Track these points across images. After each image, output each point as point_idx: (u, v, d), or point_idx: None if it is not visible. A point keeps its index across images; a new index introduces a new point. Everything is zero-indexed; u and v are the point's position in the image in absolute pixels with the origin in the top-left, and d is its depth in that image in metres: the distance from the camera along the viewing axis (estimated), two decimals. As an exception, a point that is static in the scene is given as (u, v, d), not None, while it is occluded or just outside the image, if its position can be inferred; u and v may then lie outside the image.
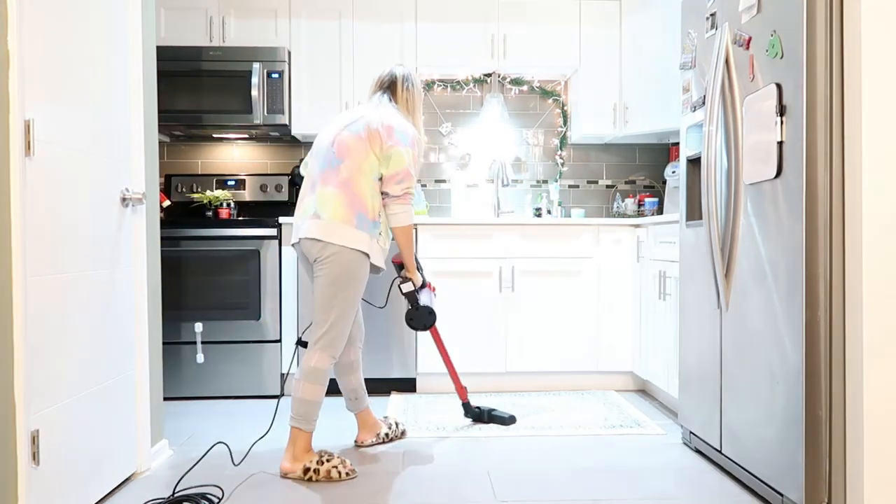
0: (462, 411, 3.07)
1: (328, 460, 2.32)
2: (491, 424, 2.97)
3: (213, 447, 2.55)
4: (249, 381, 3.48)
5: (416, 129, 2.55)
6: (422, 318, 2.69)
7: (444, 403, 3.34)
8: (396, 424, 2.79)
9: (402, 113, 2.55)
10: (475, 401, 3.32)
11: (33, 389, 1.74)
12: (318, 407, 2.37)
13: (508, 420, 2.95)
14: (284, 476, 2.35)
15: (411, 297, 2.68)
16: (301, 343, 2.52)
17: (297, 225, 2.48)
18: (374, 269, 2.50)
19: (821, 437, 1.88)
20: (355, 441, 2.74)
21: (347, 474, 2.32)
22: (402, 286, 2.67)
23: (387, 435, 2.74)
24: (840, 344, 1.89)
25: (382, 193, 2.43)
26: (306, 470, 2.31)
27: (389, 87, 2.60)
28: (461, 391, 2.99)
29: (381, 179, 2.42)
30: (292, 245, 2.53)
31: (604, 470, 2.42)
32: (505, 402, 3.34)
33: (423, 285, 2.74)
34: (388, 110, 2.50)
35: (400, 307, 3.47)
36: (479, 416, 2.99)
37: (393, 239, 2.54)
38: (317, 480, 2.30)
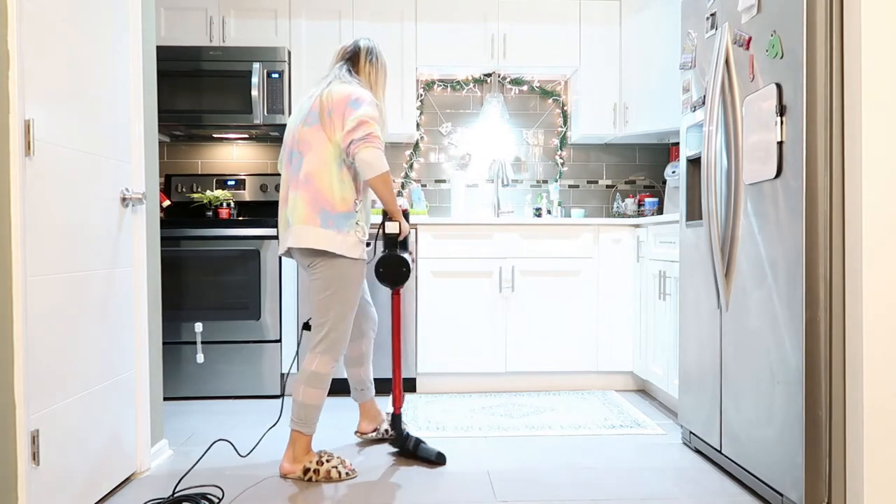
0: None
1: (328, 460, 2.32)
2: (493, 425, 2.96)
3: (213, 444, 2.55)
4: (249, 381, 3.48)
5: (374, 97, 2.42)
6: (393, 268, 2.43)
7: (443, 403, 3.34)
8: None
9: (363, 85, 2.44)
10: (483, 401, 3.31)
11: (33, 389, 1.74)
12: (318, 411, 2.36)
13: (436, 458, 2.48)
14: (284, 476, 2.35)
15: (391, 241, 2.46)
16: (307, 326, 2.43)
17: (280, 236, 2.45)
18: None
19: (821, 437, 1.88)
20: (356, 431, 2.75)
21: (347, 474, 2.32)
22: (387, 223, 2.46)
23: (387, 431, 2.74)
24: (840, 344, 1.89)
25: (346, 153, 2.29)
26: (306, 470, 2.31)
27: (351, 58, 2.51)
28: (398, 399, 2.55)
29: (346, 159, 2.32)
30: (281, 255, 2.51)
31: (604, 470, 2.42)
32: (505, 402, 3.34)
33: (406, 248, 2.53)
34: (342, 85, 2.37)
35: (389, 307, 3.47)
36: (405, 443, 2.53)
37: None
38: (317, 480, 2.30)
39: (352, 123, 2.27)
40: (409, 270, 2.44)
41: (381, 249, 2.51)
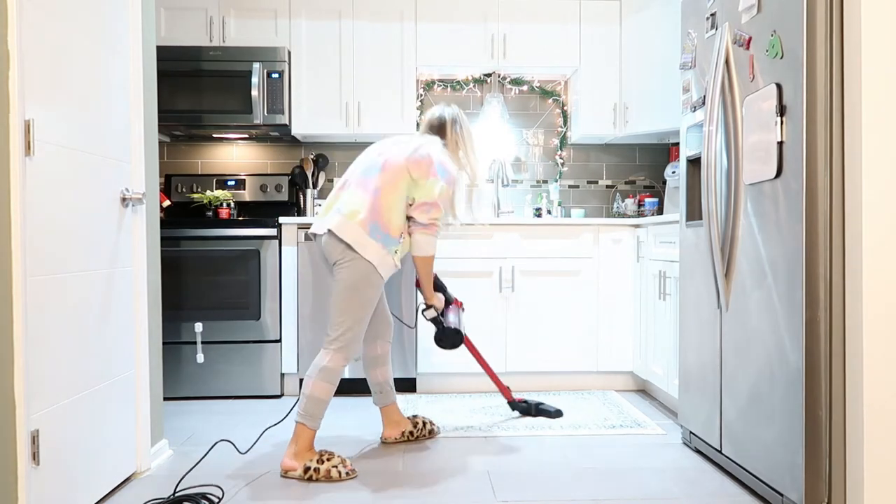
0: (509, 409, 3.20)
1: (328, 459, 2.33)
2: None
3: (215, 444, 2.55)
4: (249, 381, 3.48)
5: (462, 168, 2.64)
6: (450, 338, 2.73)
7: (444, 403, 3.34)
8: (424, 424, 2.80)
9: (449, 152, 2.61)
10: (483, 401, 3.32)
11: (33, 389, 1.74)
12: (325, 406, 2.39)
13: (554, 414, 3.04)
14: (285, 474, 2.35)
15: (436, 321, 2.74)
16: None
17: (320, 218, 2.52)
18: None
19: (821, 437, 1.88)
20: (381, 437, 2.77)
21: (347, 474, 2.32)
22: (425, 313, 2.74)
23: (412, 433, 2.76)
24: (840, 344, 1.89)
25: (409, 218, 2.49)
26: (307, 469, 2.31)
27: (438, 129, 2.67)
28: (505, 392, 3.09)
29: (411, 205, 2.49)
30: (309, 234, 2.57)
31: (604, 470, 2.42)
32: (505, 402, 3.34)
33: (449, 303, 2.81)
34: (437, 146, 2.56)
35: (389, 308, 3.47)
36: (527, 410, 3.08)
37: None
38: (317, 480, 2.30)
39: (426, 198, 2.46)
40: (461, 334, 2.74)
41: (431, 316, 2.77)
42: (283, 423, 2.93)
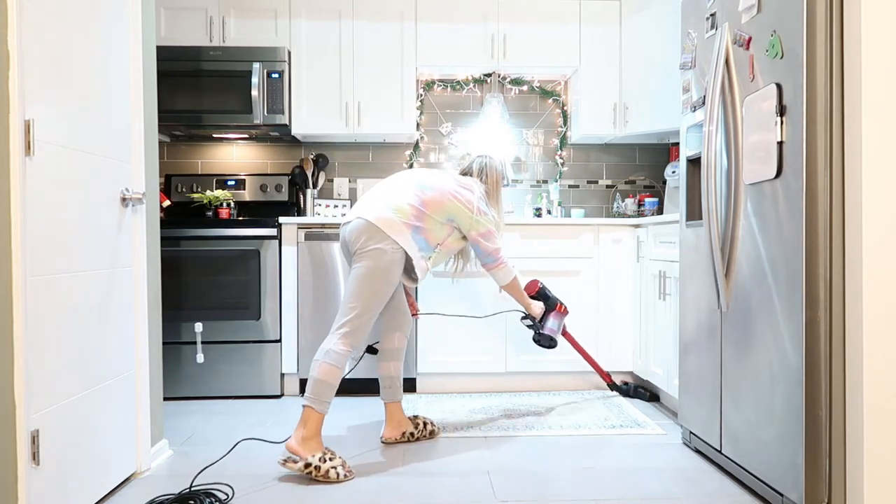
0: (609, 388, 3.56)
1: (330, 459, 2.34)
2: (493, 425, 2.98)
3: (237, 444, 2.62)
4: (249, 381, 3.48)
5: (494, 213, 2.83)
6: (544, 342, 2.98)
7: (444, 403, 3.34)
8: (425, 424, 2.81)
9: (489, 193, 2.83)
10: (483, 401, 3.31)
11: (33, 389, 1.74)
12: (331, 389, 2.41)
13: (650, 397, 3.41)
14: (287, 458, 2.37)
15: (532, 327, 3.03)
16: (371, 350, 2.85)
17: (359, 205, 2.64)
18: (411, 277, 2.72)
19: (821, 437, 1.88)
20: (381, 437, 2.77)
21: (345, 476, 2.33)
22: (523, 321, 3.08)
23: (412, 434, 2.77)
24: (840, 344, 1.89)
25: (481, 256, 2.74)
26: (307, 465, 2.33)
27: (479, 173, 2.84)
28: (605, 376, 3.45)
29: (462, 232, 2.71)
30: (343, 226, 2.65)
31: (604, 470, 2.42)
32: (505, 402, 3.34)
33: (551, 309, 3.02)
34: (477, 186, 2.76)
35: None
36: (626, 391, 3.48)
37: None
38: (315, 477, 2.31)
39: (480, 230, 2.70)
40: (555, 341, 2.98)
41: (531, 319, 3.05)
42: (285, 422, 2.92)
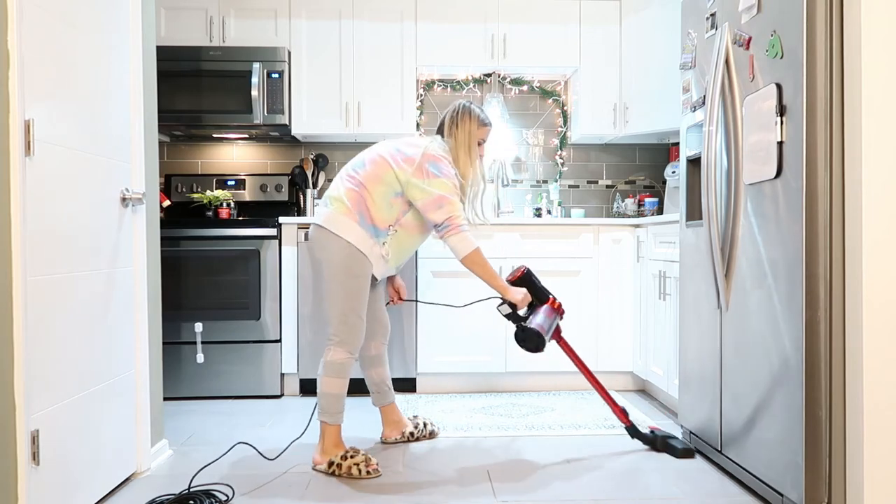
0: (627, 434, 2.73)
1: (352, 457, 2.36)
2: (493, 425, 2.96)
3: (234, 447, 2.60)
4: (249, 381, 3.48)
5: (455, 165, 2.48)
6: (530, 340, 2.42)
7: (444, 403, 3.34)
8: (425, 425, 2.80)
9: (450, 148, 2.51)
10: (483, 401, 3.32)
11: (33, 389, 1.74)
12: (338, 400, 2.41)
13: (682, 453, 2.53)
14: (314, 467, 2.41)
15: (512, 318, 2.51)
16: None
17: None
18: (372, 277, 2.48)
19: (821, 437, 1.88)
20: (381, 438, 2.77)
21: (368, 472, 2.33)
22: (499, 308, 2.52)
23: (412, 434, 2.76)
24: (840, 344, 1.89)
25: (434, 226, 2.41)
26: (330, 463, 2.36)
27: (440, 127, 2.60)
28: (620, 414, 2.64)
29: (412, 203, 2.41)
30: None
31: (604, 470, 2.42)
32: (505, 402, 3.34)
33: (542, 303, 2.55)
34: (433, 144, 2.47)
35: (389, 308, 3.47)
36: (653, 442, 2.62)
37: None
38: (338, 475, 2.34)
39: (426, 196, 2.36)
40: (542, 339, 2.41)
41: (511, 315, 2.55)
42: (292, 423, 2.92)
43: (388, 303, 2.79)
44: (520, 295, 2.49)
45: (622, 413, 2.63)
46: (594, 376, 2.63)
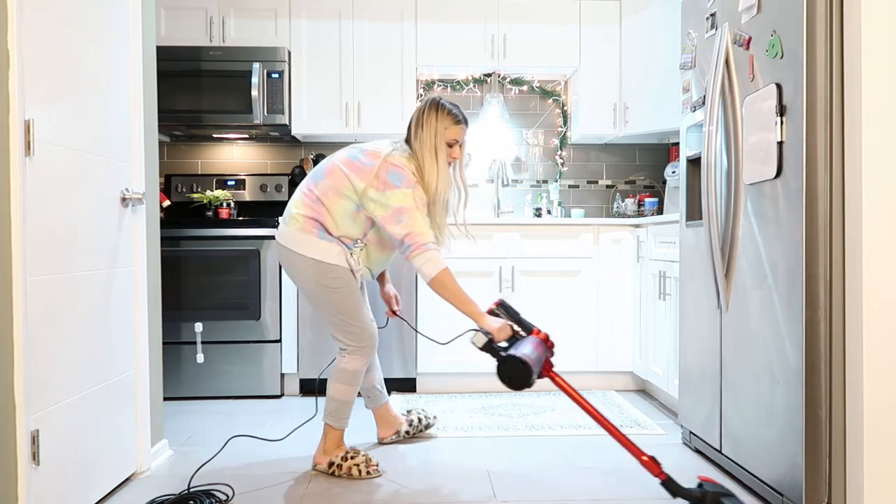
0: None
1: (352, 458, 2.36)
2: (493, 425, 2.95)
3: (228, 441, 2.58)
4: (249, 381, 3.47)
5: (420, 172, 2.27)
6: (512, 372, 2.06)
7: (444, 403, 3.34)
8: (420, 420, 2.79)
9: (415, 152, 2.30)
10: (483, 401, 3.31)
11: (33, 389, 1.74)
12: (347, 406, 2.41)
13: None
14: (314, 467, 2.41)
15: (489, 350, 2.21)
16: None
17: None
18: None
19: (821, 437, 1.88)
20: (377, 438, 2.77)
21: (369, 472, 2.34)
22: (473, 340, 2.22)
23: (408, 432, 2.76)
24: (840, 344, 1.89)
25: (398, 244, 2.24)
26: (331, 464, 2.36)
27: (408, 127, 2.38)
28: (650, 465, 2.01)
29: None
30: None
31: (604, 470, 2.42)
32: (505, 402, 3.34)
33: (525, 331, 2.25)
34: (393, 151, 2.27)
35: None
36: (700, 501, 1.94)
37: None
38: (339, 475, 2.34)
39: (383, 210, 2.17)
40: (527, 367, 2.02)
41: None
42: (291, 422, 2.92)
43: (386, 322, 2.73)
44: (497, 324, 2.22)
45: (653, 463, 2.01)
46: (607, 420, 2.13)
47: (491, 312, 2.28)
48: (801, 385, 1.89)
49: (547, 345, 2.19)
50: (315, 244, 2.25)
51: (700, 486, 1.97)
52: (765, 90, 2.05)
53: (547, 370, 2.18)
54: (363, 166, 2.23)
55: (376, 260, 2.39)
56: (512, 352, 2.09)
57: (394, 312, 2.74)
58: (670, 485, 1.98)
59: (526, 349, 2.10)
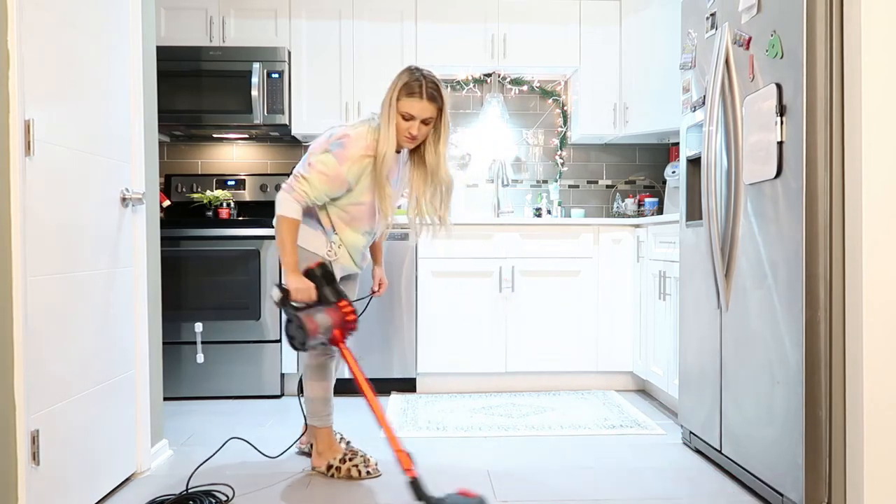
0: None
1: (350, 459, 2.35)
2: (493, 425, 2.96)
3: (226, 442, 2.56)
4: (249, 381, 3.47)
5: (365, 139, 2.18)
6: (292, 335, 2.09)
7: (444, 403, 3.34)
8: (354, 454, 2.43)
9: (379, 124, 2.22)
10: (483, 401, 3.31)
11: (33, 389, 1.74)
12: (323, 403, 2.39)
13: None
14: (313, 470, 2.39)
15: (282, 306, 2.15)
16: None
17: None
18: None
19: (821, 437, 1.88)
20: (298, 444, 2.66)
21: (368, 472, 2.33)
22: (271, 293, 2.18)
23: (337, 468, 2.40)
24: (840, 344, 1.89)
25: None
26: (329, 466, 2.35)
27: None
28: (402, 459, 1.98)
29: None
30: None
31: (604, 470, 2.42)
32: (505, 402, 3.34)
33: (329, 303, 2.15)
34: (356, 125, 2.25)
35: (389, 308, 3.47)
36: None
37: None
38: (338, 477, 2.33)
39: (303, 161, 2.19)
40: (305, 331, 2.03)
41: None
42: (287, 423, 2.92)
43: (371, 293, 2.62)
44: (299, 284, 2.12)
45: (406, 458, 1.97)
46: (372, 389, 2.15)
47: (309, 271, 2.18)
48: (801, 385, 1.89)
49: (346, 318, 2.14)
50: (301, 230, 2.22)
51: (448, 496, 1.89)
52: (765, 90, 2.05)
53: (337, 341, 2.14)
54: (325, 137, 2.24)
55: (351, 243, 2.30)
56: (301, 314, 2.07)
57: (373, 292, 2.62)
58: (415, 486, 1.93)
59: (318, 315, 2.09)
